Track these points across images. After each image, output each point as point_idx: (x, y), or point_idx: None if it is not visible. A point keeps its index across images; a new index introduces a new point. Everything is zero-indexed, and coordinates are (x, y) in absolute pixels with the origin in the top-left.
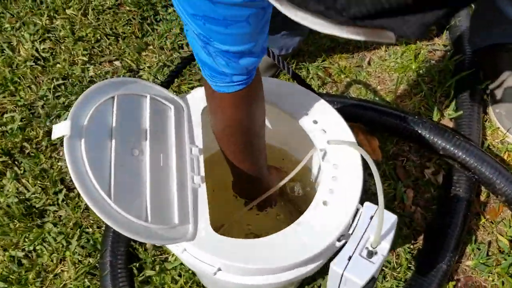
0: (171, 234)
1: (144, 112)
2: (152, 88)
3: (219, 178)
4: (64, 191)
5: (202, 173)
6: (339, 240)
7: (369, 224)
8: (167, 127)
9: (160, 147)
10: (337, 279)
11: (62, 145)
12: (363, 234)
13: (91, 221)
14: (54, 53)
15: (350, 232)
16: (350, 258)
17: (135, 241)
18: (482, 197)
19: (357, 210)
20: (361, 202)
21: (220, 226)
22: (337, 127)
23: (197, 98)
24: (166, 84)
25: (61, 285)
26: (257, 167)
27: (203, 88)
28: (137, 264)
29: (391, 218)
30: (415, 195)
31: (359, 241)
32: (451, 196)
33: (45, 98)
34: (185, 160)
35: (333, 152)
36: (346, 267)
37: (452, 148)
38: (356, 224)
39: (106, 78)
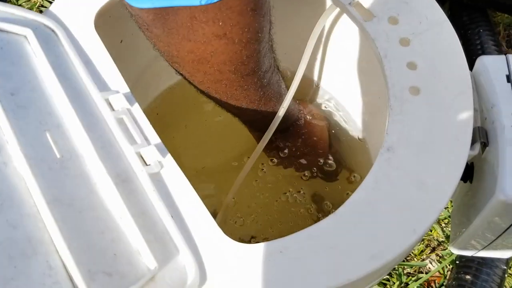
0: None
1: None
2: None
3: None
4: None
5: (155, 137)
6: (479, 140)
7: None
8: (34, 76)
9: (35, 118)
10: None
11: None
12: None
13: None
14: None
15: (485, 118)
16: None
17: None
18: None
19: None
20: None
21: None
22: None
23: (75, 6)
24: None
25: None
26: (276, 101)
27: None
28: None
29: None
30: None
31: None
32: None
33: None
34: (105, 127)
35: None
36: None
37: None
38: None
39: None
